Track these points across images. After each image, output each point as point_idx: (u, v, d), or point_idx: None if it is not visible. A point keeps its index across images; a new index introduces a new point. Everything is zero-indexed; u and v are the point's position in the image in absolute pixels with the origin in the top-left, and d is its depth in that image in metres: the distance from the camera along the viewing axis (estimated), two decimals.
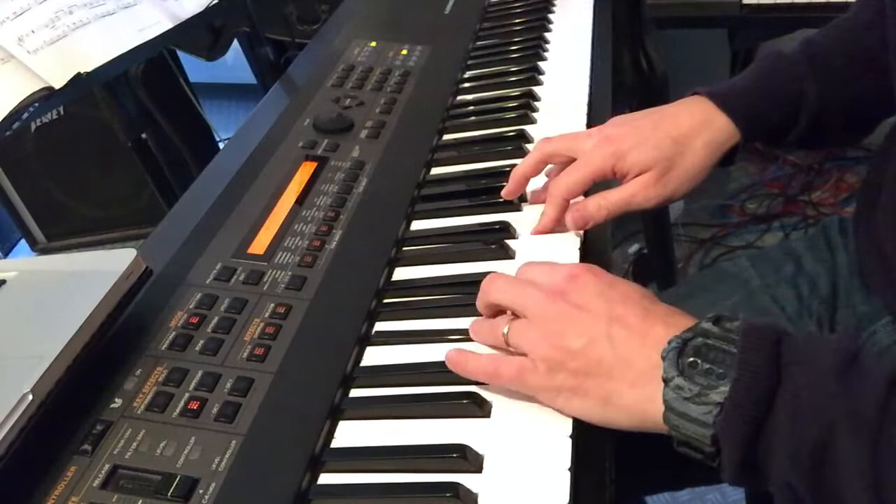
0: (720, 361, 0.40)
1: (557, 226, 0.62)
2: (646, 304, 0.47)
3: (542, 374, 0.46)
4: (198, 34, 1.12)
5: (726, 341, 0.41)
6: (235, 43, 1.23)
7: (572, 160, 0.63)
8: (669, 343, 0.42)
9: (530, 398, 0.48)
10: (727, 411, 0.39)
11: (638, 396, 0.43)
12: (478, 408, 0.48)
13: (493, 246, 0.61)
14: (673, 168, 0.61)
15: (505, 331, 0.49)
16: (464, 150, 0.77)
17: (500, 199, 0.67)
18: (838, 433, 0.37)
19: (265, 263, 0.60)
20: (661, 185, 0.61)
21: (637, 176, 0.61)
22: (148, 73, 1.33)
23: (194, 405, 0.48)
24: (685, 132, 0.62)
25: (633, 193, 0.61)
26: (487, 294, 0.52)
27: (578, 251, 0.60)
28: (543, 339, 0.46)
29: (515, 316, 0.50)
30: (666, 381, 0.41)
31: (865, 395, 0.37)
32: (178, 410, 0.48)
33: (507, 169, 0.70)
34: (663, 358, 0.42)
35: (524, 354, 0.48)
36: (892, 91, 0.61)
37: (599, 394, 0.44)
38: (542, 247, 0.62)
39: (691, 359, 0.41)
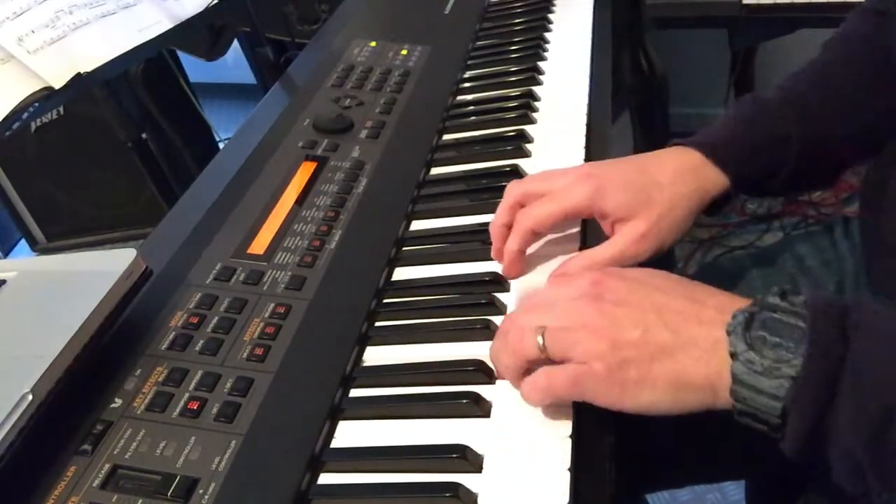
0: (788, 335, 0.40)
1: (521, 260, 0.59)
2: (679, 286, 0.46)
3: (602, 374, 0.43)
4: (198, 34, 1.12)
5: (793, 315, 0.41)
6: (235, 43, 1.23)
7: None
8: (734, 318, 0.42)
9: None
10: (800, 386, 0.39)
11: (707, 372, 0.42)
12: (478, 408, 0.48)
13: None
14: (663, 218, 0.57)
15: (540, 341, 0.45)
16: (464, 150, 0.77)
17: (500, 199, 0.67)
18: None
19: (265, 263, 0.60)
20: (652, 237, 0.57)
21: (619, 220, 0.57)
22: (148, 73, 1.33)
23: (194, 405, 0.48)
24: (671, 178, 0.59)
25: (623, 249, 0.57)
26: (516, 320, 0.48)
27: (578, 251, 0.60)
28: (596, 337, 0.44)
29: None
30: (734, 355, 0.41)
31: None
32: (178, 410, 0.48)
33: (507, 169, 0.71)
34: (729, 333, 0.42)
35: (565, 362, 0.45)
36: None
37: (669, 378, 0.43)
38: (540, 247, 0.62)
39: (760, 332, 0.41)
